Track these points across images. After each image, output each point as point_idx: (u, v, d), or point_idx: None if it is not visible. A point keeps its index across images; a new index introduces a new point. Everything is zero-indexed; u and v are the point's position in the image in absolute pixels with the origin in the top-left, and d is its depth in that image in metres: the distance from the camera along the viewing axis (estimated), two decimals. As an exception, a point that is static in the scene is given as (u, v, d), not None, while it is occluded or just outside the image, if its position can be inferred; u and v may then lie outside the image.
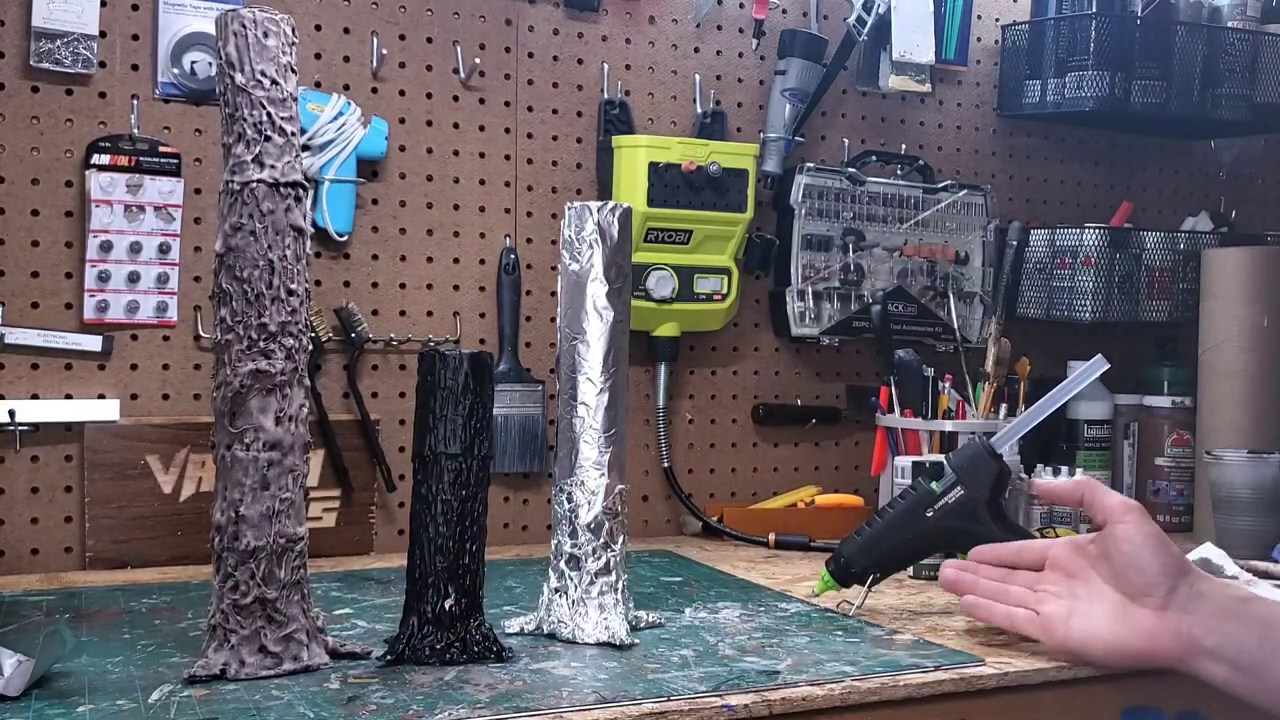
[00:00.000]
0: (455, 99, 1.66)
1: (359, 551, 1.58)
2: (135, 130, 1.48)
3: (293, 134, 1.05)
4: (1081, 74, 1.88)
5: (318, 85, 1.57)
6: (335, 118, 1.55)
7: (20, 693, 0.95)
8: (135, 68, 1.49)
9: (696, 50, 1.81)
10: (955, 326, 1.90)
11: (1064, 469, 1.76)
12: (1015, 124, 2.05)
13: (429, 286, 1.65)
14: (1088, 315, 1.90)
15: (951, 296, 1.91)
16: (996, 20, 2.02)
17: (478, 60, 1.66)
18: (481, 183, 1.68)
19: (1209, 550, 1.46)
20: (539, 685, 1.00)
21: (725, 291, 1.76)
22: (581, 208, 1.20)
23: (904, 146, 1.95)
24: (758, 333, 1.87)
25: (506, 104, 1.69)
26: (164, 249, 1.50)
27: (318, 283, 1.57)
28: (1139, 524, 1.09)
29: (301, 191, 1.05)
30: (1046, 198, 2.10)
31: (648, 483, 1.78)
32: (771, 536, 1.66)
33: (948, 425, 1.66)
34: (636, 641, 1.14)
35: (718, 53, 1.83)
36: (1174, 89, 1.92)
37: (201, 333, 1.52)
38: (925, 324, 1.90)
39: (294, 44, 1.05)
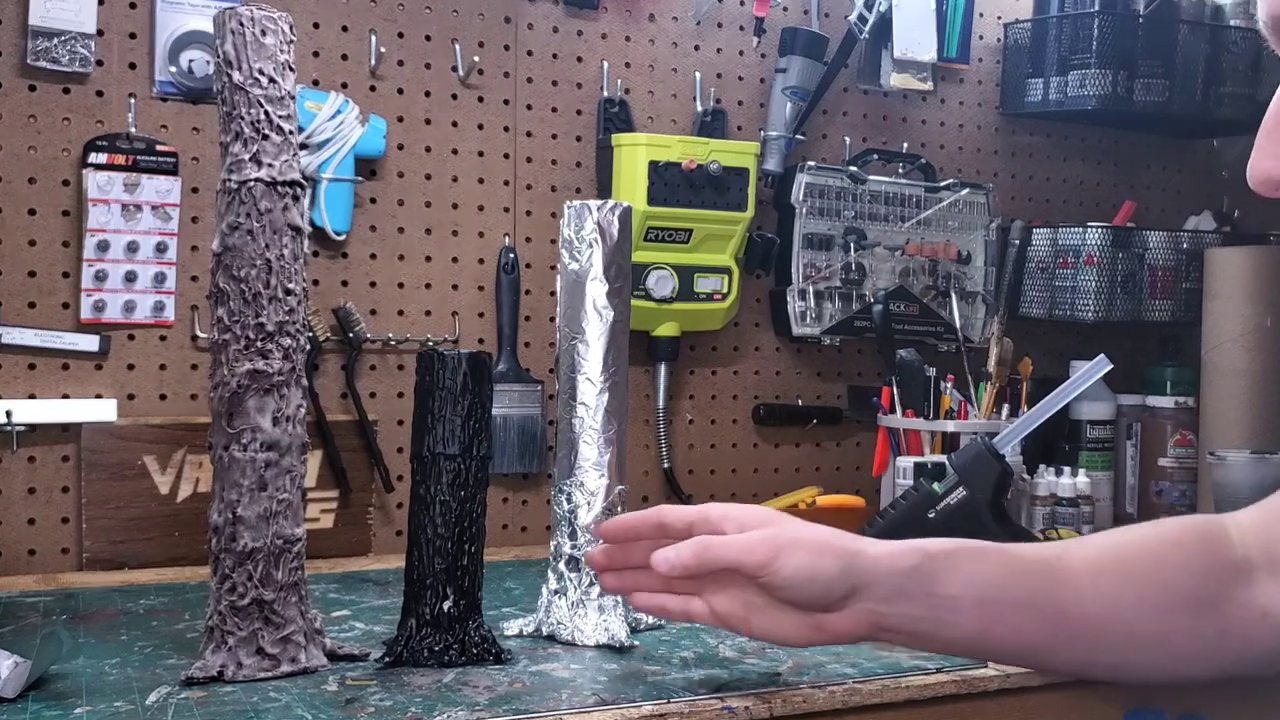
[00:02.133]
0: (454, 97, 1.66)
1: (357, 553, 1.57)
2: (132, 129, 1.48)
3: (290, 132, 1.04)
4: (1084, 72, 1.87)
5: (315, 83, 1.57)
6: (333, 116, 1.54)
7: (17, 694, 0.94)
8: (132, 66, 1.49)
9: (697, 48, 1.81)
10: (957, 326, 1.89)
11: (1066, 469, 1.76)
12: (1017, 122, 2.04)
13: (427, 286, 1.64)
14: (1090, 315, 1.89)
15: (953, 296, 1.91)
16: (999, 18, 2.02)
17: (476, 58, 1.65)
18: (480, 181, 1.67)
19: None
20: (538, 687, 1.00)
21: (725, 291, 1.75)
22: (581, 206, 1.20)
23: (906, 145, 1.94)
24: (758, 332, 1.86)
25: (505, 102, 1.69)
26: (161, 248, 1.49)
27: (315, 282, 1.56)
28: (788, 569, 0.93)
29: (299, 190, 1.05)
30: (1049, 196, 2.09)
31: (648, 483, 1.78)
32: (772, 537, 1.65)
33: (950, 426, 1.66)
34: (636, 643, 1.13)
35: (718, 50, 1.82)
36: (1177, 87, 1.91)
37: (199, 332, 1.51)
38: (927, 323, 1.89)
39: (292, 42, 1.05)
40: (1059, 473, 1.75)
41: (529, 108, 1.70)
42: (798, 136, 1.81)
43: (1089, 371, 1.28)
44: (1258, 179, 0.61)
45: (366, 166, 1.60)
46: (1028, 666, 1.05)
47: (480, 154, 1.67)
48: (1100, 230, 1.91)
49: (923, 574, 0.96)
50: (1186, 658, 0.99)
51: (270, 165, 1.02)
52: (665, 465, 1.77)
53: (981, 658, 1.02)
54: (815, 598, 0.94)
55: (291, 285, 1.03)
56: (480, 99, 1.67)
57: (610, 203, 1.20)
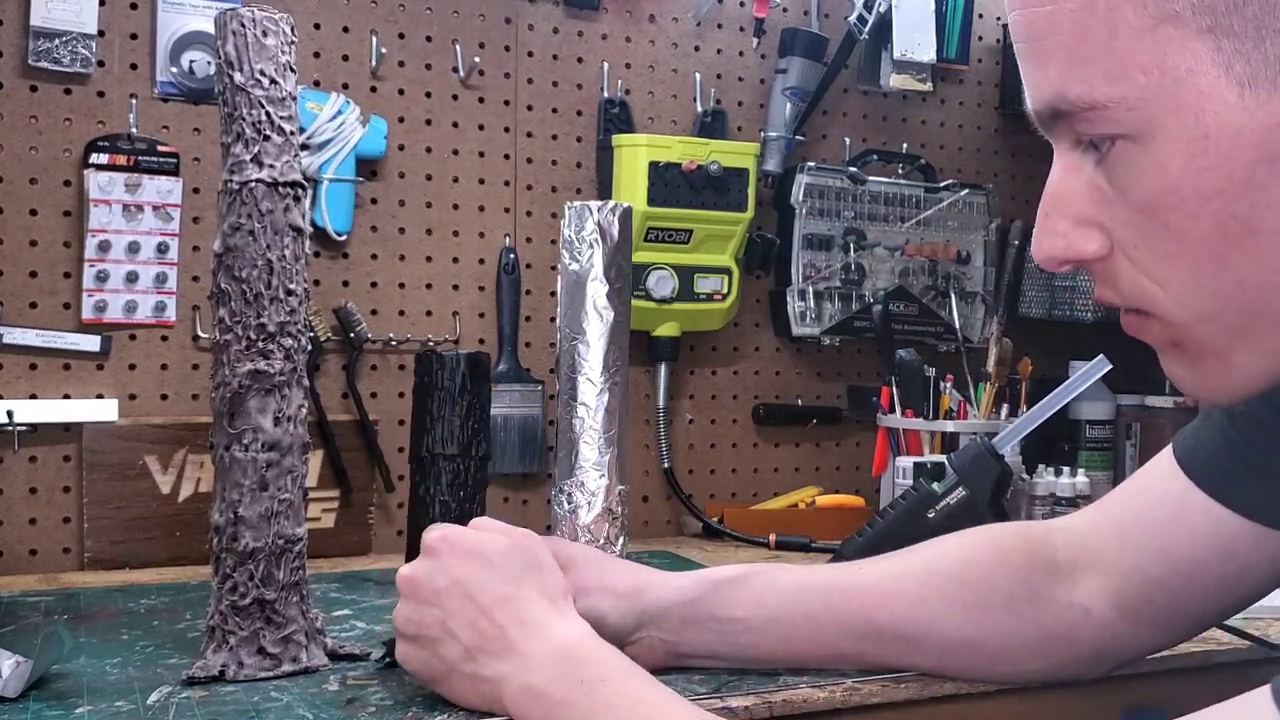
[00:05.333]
0: (454, 98, 1.66)
1: (358, 552, 1.57)
2: (134, 129, 1.48)
3: (292, 133, 1.04)
4: (1083, 73, 1.87)
5: (316, 84, 1.57)
6: (334, 116, 1.55)
7: (18, 694, 0.94)
8: (134, 67, 1.49)
9: (697, 49, 1.81)
10: (957, 326, 1.89)
11: (1065, 469, 1.76)
12: (1017, 123, 2.04)
13: (428, 286, 1.65)
14: (1090, 315, 1.89)
15: (953, 296, 1.91)
16: (998, 19, 2.02)
17: (477, 59, 1.65)
18: (481, 182, 1.68)
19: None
20: (538, 687, 1.00)
21: (725, 291, 1.75)
22: (581, 207, 1.20)
23: (905, 146, 1.95)
24: (758, 333, 1.87)
25: (506, 103, 1.69)
26: (162, 248, 1.49)
27: (316, 282, 1.57)
28: None
29: (300, 191, 1.05)
30: (1048, 197, 2.09)
31: (648, 483, 1.78)
32: (772, 537, 1.65)
33: (949, 426, 1.66)
34: (636, 643, 1.13)
35: (718, 51, 1.82)
36: (1176, 88, 1.91)
37: (200, 333, 1.52)
38: (927, 324, 1.89)
39: (293, 43, 1.05)
40: (1058, 473, 1.75)
41: (529, 108, 1.70)
42: (797, 137, 1.81)
43: (1088, 372, 1.28)
44: (1041, 259, 0.66)
45: (367, 167, 1.60)
46: (858, 670, 1.04)
47: (481, 154, 1.68)
48: (1100, 231, 1.91)
49: (707, 602, 1.00)
50: (1009, 659, 1.00)
51: (271, 166, 1.02)
52: (665, 465, 1.77)
53: (798, 667, 1.02)
54: (606, 635, 0.94)
55: (293, 286, 1.03)
56: (481, 100, 1.67)
57: (611, 203, 1.20)
